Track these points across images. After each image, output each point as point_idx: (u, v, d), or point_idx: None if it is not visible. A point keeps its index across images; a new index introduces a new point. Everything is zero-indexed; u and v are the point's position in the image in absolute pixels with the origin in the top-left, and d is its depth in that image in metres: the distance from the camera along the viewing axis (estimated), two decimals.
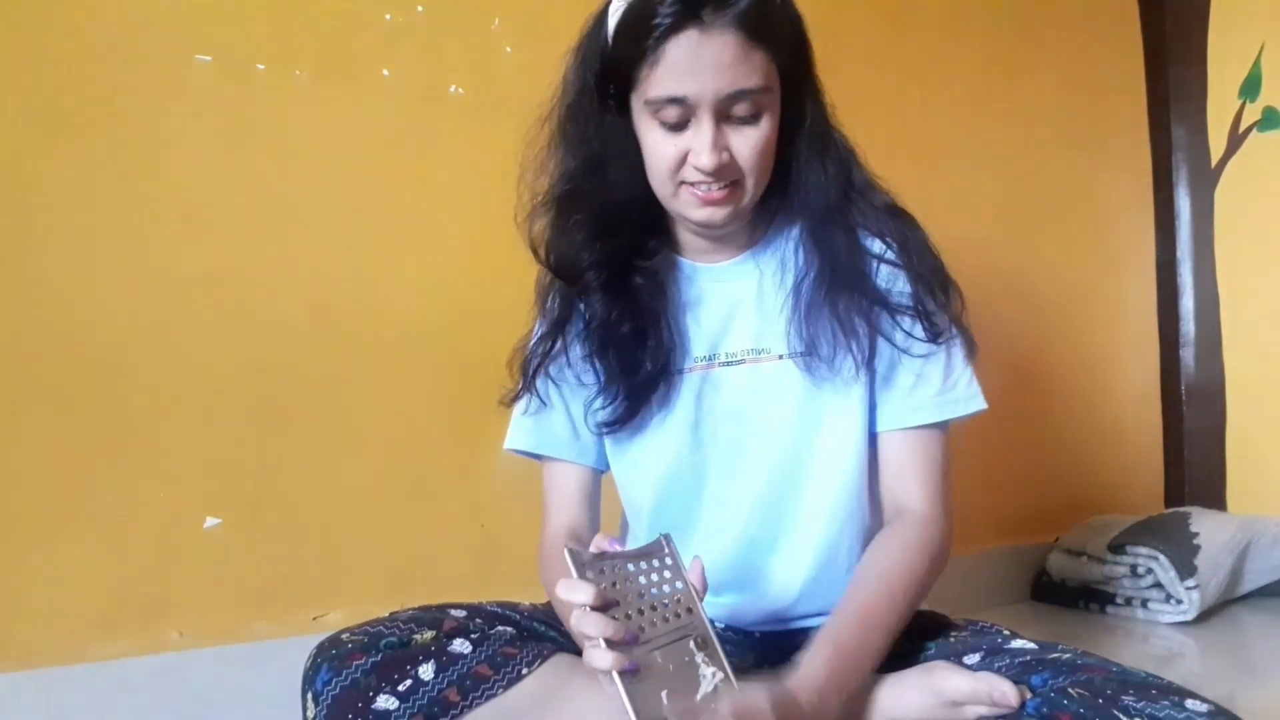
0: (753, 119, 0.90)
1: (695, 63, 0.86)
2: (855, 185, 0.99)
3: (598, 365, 1.02)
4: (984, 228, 2.14)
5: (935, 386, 0.98)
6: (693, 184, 0.92)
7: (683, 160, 0.91)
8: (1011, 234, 2.19)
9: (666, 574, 0.79)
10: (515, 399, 1.07)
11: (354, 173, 1.43)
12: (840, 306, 0.96)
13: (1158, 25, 2.43)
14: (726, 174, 0.92)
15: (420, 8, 1.49)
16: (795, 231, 1.02)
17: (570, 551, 0.77)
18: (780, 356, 0.99)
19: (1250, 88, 2.27)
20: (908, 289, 0.98)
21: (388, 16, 1.46)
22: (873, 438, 1.01)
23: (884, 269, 0.99)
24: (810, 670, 0.80)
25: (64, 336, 1.24)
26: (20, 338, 1.22)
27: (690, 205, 0.94)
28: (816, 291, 0.98)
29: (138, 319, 1.28)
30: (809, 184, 0.97)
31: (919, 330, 0.97)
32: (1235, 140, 2.31)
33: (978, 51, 2.15)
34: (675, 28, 0.86)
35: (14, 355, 1.22)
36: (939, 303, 0.98)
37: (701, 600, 0.80)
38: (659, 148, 0.92)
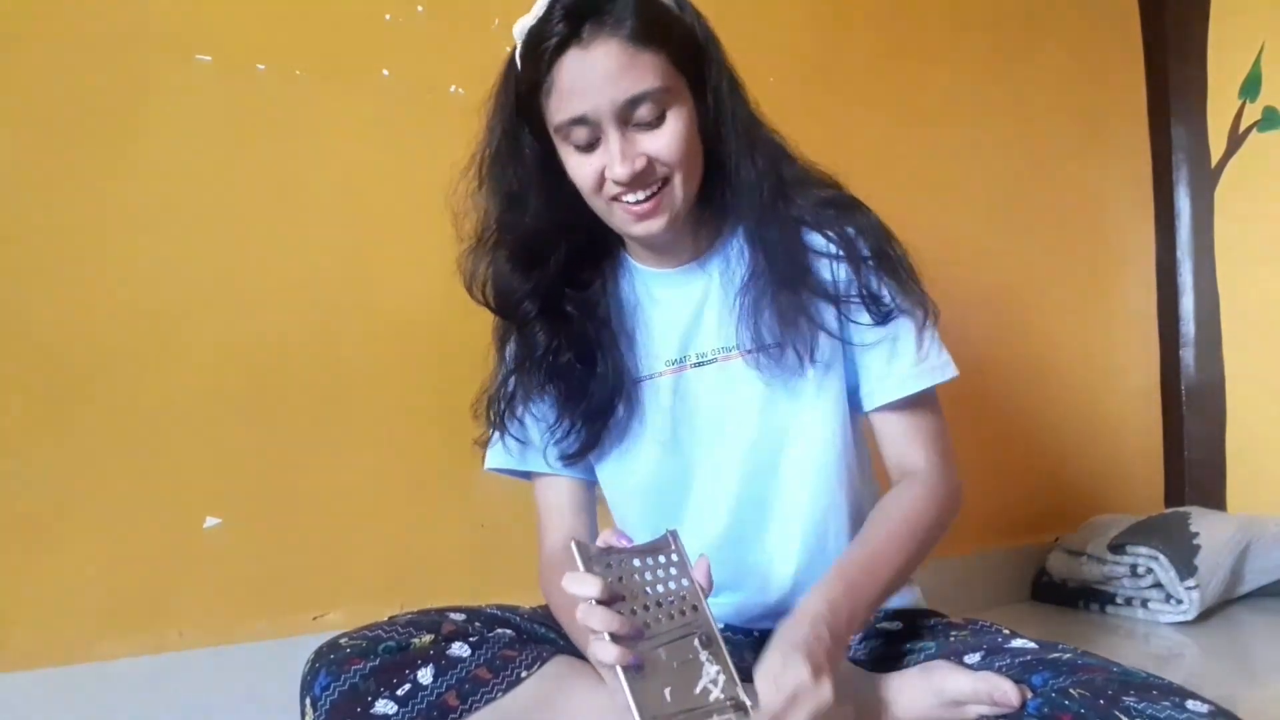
0: (659, 120, 0.90)
1: (584, 79, 0.88)
2: (787, 180, 0.99)
3: (547, 399, 1.04)
4: (983, 227, 2.14)
5: (910, 357, 0.99)
6: (620, 199, 0.93)
7: (602, 177, 0.92)
8: (1011, 234, 2.19)
9: (672, 570, 0.79)
10: (489, 442, 1.08)
11: (354, 173, 1.43)
12: (782, 302, 0.97)
13: (1158, 25, 2.42)
14: (647, 179, 0.91)
15: (420, 8, 1.48)
16: (739, 231, 1.03)
17: (577, 545, 0.78)
18: (749, 351, 1.00)
19: (1250, 88, 2.27)
20: (852, 278, 0.98)
21: (388, 16, 1.46)
22: (862, 417, 1.03)
23: (826, 262, 0.99)
24: (811, 600, 0.82)
25: (64, 336, 1.24)
26: (21, 337, 1.22)
27: (627, 222, 0.95)
28: (759, 290, 0.98)
29: (138, 318, 1.28)
30: (743, 182, 0.97)
31: (864, 317, 0.97)
32: (1235, 140, 2.31)
33: (978, 51, 2.15)
34: (559, 50, 0.88)
35: (14, 355, 1.21)
36: (887, 282, 0.98)
37: (706, 598, 0.80)
38: (579, 170, 0.93)
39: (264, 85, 1.37)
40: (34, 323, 1.23)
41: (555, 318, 1.01)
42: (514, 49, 0.95)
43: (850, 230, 0.99)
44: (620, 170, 0.89)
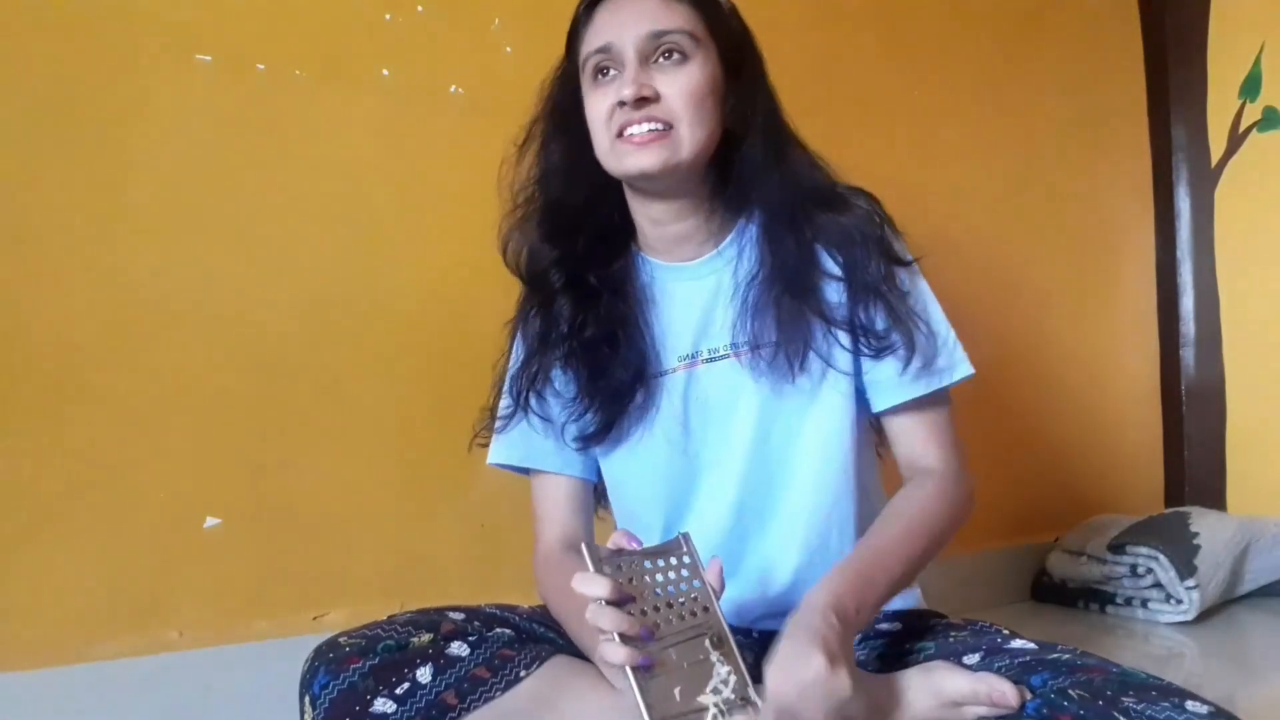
0: (679, 61, 0.94)
1: (617, 16, 0.95)
2: (810, 196, 1.00)
3: (569, 375, 1.04)
4: (984, 227, 2.14)
5: (921, 360, 0.99)
6: (624, 135, 0.94)
7: (612, 110, 0.94)
8: (1012, 233, 2.19)
9: (684, 572, 0.80)
10: (505, 428, 1.07)
11: (353, 173, 1.43)
12: (783, 309, 0.98)
13: (1158, 25, 2.43)
14: (652, 111, 0.93)
15: (420, 8, 1.48)
16: (753, 231, 1.03)
17: (588, 546, 0.78)
18: (745, 351, 1.00)
19: (1250, 88, 2.27)
20: (850, 303, 0.99)
21: (388, 16, 1.46)
22: (873, 417, 1.03)
23: (834, 285, 1.00)
24: (820, 592, 0.82)
25: (63, 335, 1.24)
26: (20, 337, 1.22)
27: (624, 155, 0.95)
28: (763, 292, 0.99)
29: (137, 318, 1.28)
30: (765, 186, 0.99)
31: (858, 347, 0.98)
32: (1235, 140, 2.31)
33: (978, 52, 2.15)
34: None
35: (13, 354, 1.22)
36: (884, 314, 0.98)
37: (718, 599, 0.80)
38: (594, 106, 0.96)
39: (264, 85, 1.37)
40: (33, 321, 1.23)
41: (581, 293, 1.03)
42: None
43: (858, 255, 0.99)
44: (627, 91, 0.92)
